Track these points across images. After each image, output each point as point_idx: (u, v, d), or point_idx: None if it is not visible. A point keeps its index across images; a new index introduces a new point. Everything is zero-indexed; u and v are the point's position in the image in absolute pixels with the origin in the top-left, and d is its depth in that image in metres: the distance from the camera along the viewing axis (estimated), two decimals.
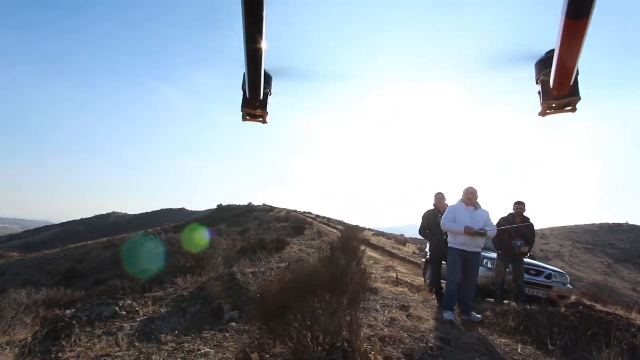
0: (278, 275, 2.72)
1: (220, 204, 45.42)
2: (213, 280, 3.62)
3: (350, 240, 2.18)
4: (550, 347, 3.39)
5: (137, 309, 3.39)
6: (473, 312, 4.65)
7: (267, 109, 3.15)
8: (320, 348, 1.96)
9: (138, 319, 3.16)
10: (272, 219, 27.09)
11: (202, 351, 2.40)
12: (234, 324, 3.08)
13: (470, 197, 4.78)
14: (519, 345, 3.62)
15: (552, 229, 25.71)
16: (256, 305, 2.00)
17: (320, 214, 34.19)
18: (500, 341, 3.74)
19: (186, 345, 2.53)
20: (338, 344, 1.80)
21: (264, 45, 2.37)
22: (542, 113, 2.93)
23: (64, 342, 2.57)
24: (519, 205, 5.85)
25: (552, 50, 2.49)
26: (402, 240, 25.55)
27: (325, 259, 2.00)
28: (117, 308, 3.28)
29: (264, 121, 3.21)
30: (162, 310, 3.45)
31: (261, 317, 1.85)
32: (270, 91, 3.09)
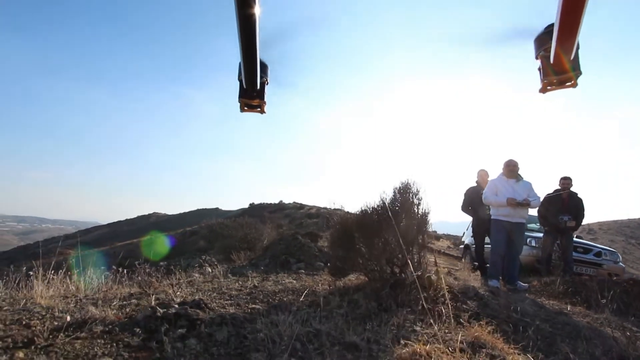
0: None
1: (252, 203, 46.90)
2: (278, 241, 4.12)
3: (408, 185, 2.51)
4: (602, 301, 3.46)
5: (216, 263, 3.96)
6: (519, 282, 4.71)
7: (265, 99, 3.03)
8: (390, 271, 2.32)
9: (221, 268, 3.73)
10: (304, 215, 27.61)
11: (287, 281, 2.86)
12: (303, 271, 3.54)
13: (511, 170, 4.83)
14: (569, 306, 3.70)
15: (600, 224, 23.88)
16: (337, 235, 2.39)
17: (350, 211, 34.20)
18: (549, 302, 3.83)
19: (271, 278, 3.01)
20: (409, 268, 2.14)
21: (257, 10, 2.08)
22: (543, 90, 2.84)
23: (169, 276, 3.14)
24: (565, 181, 5.70)
25: (552, 25, 2.41)
26: (435, 236, 25.11)
27: (390, 200, 2.36)
28: (201, 260, 3.86)
29: (262, 111, 3.09)
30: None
31: (341, 244, 2.23)
32: (267, 80, 2.98)
